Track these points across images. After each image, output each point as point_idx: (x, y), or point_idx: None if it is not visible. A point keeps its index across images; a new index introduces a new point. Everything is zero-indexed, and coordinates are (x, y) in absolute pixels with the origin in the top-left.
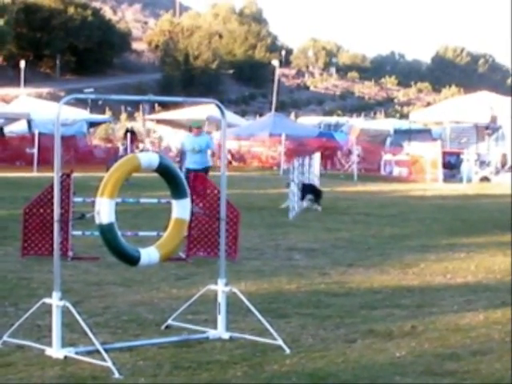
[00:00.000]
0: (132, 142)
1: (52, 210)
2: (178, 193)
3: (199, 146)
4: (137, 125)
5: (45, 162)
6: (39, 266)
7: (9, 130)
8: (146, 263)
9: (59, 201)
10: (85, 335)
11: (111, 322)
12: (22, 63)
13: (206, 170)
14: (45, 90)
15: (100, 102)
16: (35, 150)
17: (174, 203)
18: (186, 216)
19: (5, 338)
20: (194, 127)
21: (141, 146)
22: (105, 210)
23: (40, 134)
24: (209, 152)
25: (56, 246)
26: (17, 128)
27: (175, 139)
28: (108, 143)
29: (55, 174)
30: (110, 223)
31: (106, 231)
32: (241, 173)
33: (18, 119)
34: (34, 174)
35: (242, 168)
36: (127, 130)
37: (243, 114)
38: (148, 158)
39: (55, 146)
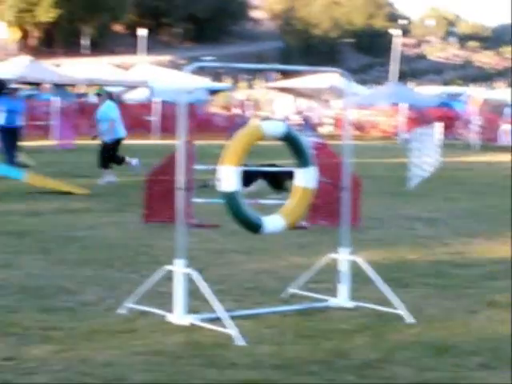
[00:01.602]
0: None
1: (174, 178)
2: (302, 161)
3: None
4: (255, 93)
5: (164, 129)
6: (161, 233)
7: (128, 97)
8: (269, 231)
9: (183, 168)
10: (206, 302)
11: (233, 290)
12: (142, 31)
13: None
14: (165, 58)
15: (220, 71)
16: (155, 118)
17: (299, 172)
18: (312, 184)
19: (129, 304)
20: None
21: (261, 114)
22: (229, 178)
23: (162, 101)
24: None
25: (180, 213)
26: (136, 95)
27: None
28: (227, 111)
29: (179, 142)
30: (233, 191)
31: (230, 199)
32: (360, 142)
33: (138, 87)
34: (153, 141)
35: (361, 137)
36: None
37: (362, 83)
38: (272, 126)
39: (178, 113)
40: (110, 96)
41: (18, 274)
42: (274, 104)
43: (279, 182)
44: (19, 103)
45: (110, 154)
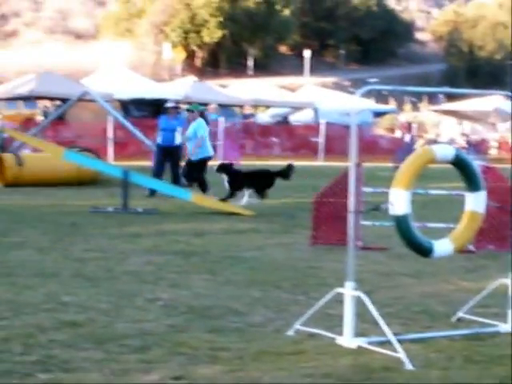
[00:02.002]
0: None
1: (342, 200)
2: (473, 185)
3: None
4: (420, 115)
5: (330, 150)
6: (328, 255)
7: (294, 118)
8: (439, 255)
9: (355, 191)
10: (375, 325)
11: (402, 313)
12: (307, 52)
13: None
14: (329, 80)
15: (385, 92)
16: (320, 139)
17: (469, 196)
18: (481, 209)
19: (297, 326)
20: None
21: (426, 136)
22: (400, 201)
23: (326, 123)
24: None
25: (351, 236)
26: (302, 117)
27: (459, 130)
28: (392, 133)
29: (350, 163)
30: (405, 214)
31: (401, 222)
32: None
33: (303, 108)
34: (319, 162)
35: None
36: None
37: None
38: (443, 150)
39: (351, 136)
40: (202, 114)
41: (186, 294)
42: (441, 126)
43: (267, 185)
44: (178, 122)
45: (197, 174)
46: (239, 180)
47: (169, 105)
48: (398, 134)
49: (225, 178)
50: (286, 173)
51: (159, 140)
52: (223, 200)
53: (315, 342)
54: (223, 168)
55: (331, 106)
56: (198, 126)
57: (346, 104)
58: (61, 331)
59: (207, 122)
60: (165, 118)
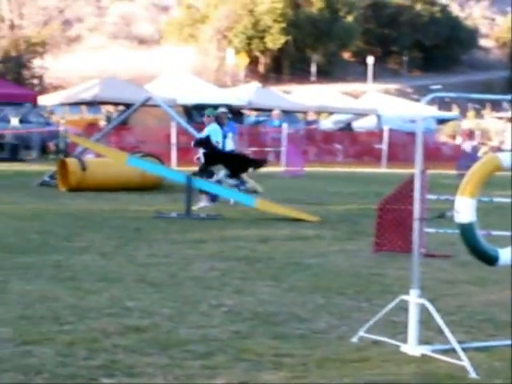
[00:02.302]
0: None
1: (406, 207)
2: None
3: None
4: (484, 122)
5: (393, 157)
6: (391, 262)
7: (357, 125)
8: (503, 263)
9: (420, 198)
10: (439, 333)
11: (466, 321)
12: (370, 59)
13: None
14: (392, 86)
15: (448, 99)
16: (384, 146)
17: None
18: None
19: (361, 333)
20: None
21: (489, 144)
22: (466, 209)
23: (389, 129)
24: None
25: (415, 243)
26: (365, 123)
27: None
28: (455, 140)
29: (416, 171)
30: (470, 222)
31: (467, 230)
32: None
33: (366, 115)
34: (382, 169)
35: None
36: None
37: None
38: (509, 157)
39: (416, 143)
40: (217, 119)
41: (250, 300)
42: (505, 134)
43: (241, 168)
44: (229, 128)
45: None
46: (215, 156)
47: (220, 110)
48: (459, 141)
49: (201, 151)
50: (259, 164)
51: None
52: (194, 175)
53: (379, 350)
54: (201, 143)
55: (394, 113)
56: (213, 130)
57: (409, 111)
58: (125, 336)
59: (221, 127)
60: (219, 125)
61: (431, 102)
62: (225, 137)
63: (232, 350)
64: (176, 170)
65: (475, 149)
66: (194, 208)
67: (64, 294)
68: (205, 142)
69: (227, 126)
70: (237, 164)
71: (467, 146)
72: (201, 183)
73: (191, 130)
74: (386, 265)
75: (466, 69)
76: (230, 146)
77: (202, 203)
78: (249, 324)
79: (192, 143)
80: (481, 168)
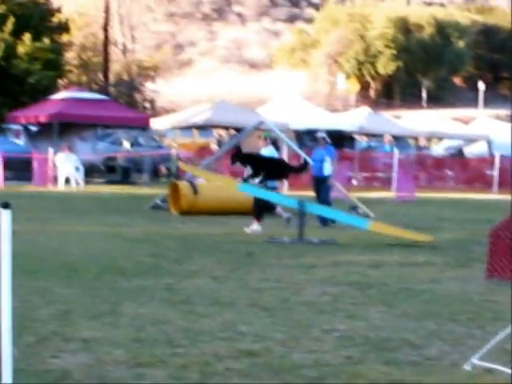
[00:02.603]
0: None
1: None
2: None
3: None
4: None
5: (504, 184)
6: (504, 288)
7: (468, 151)
8: None
9: None
10: None
11: None
12: (481, 84)
13: None
14: (503, 112)
15: None
16: (495, 172)
17: None
18: None
19: (474, 360)
20: None
21: None
22: None
23: (500, 155)
24: None
25: None
26: (476, 149)
27: None
28: None
29: None
30: None
31: None
32: None
33: (477, 140)
34: (494, 195)
35: None
36: None
37: None
38: None
39: None
40: (274, 142)
41: (362, 325)
42: None
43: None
44: (327, 152)
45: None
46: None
47: (318, 135)
48: None
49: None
50: (299, 170)
51: (311, 170)
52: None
53: (492, 377)
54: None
55: (506, 139)
56: (268, 153)
57: None
58: (238, 360)
59: (278, 150)
60: (317, 150)
61: None
62: (322, 161)
63: (344, 376)
64: (287, 196)
65: None
66: (247, 230)
67: (176, 317)
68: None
69: (325, 150)
70: (276, 169)
71: None
72: (313, 207)
73: (303, 154)
74: (498, 291)
75: None
76: (327, 170)
77: (255, 226)
78: (361, 349)
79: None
80: None
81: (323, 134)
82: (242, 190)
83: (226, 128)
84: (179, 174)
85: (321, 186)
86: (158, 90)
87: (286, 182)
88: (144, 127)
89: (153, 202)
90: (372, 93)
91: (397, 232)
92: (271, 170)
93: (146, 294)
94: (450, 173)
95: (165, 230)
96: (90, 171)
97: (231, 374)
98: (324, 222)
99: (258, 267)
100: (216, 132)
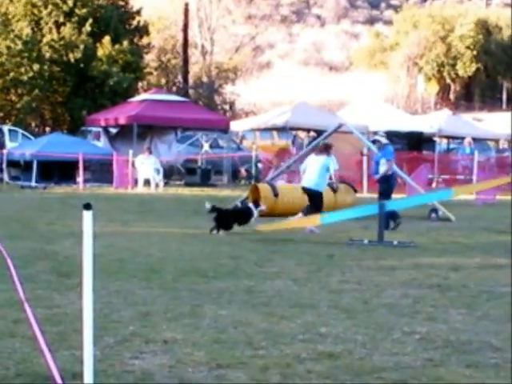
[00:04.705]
0: None
1: None
2: None
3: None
4: None
5: None
6: None
7: None
8: None
9: None
10: None
11: None
12: None
13: None
14: None
15: None
16: None
17: None
18: None
19: None
20: None
21: None
22: None
23: None
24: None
25: None
26: None
27: None
28: None
29: None
30: None
31: None
32: None
33: None
34: None
35: None
36: None
37: None
38: None
39: None
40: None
41: (443, 328)
42: None
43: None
44: (382, 154)
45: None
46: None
47: (375, 138)
48: None
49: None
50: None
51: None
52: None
53: None
54: None
55: None
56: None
57: None
58: (318, 362)
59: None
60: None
61: None
62: (377, 163)
63: (425, 378)
64: (366, 205)
65: None
66: (306, 231)
67: (257, 319)
68: None
69: (381, 152)
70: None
71: None
72: (393, 204)
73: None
74: None
75: None
76: (382, 170)
77: (311, 228)
78: (442, 352)
79: None
80: None
81: (377, 137)
82: (324, 222)
83: (306, 130)
84: (259, 175)
85: (381, 186)
86: (237, 92)
87: (366, 184)
88: (224, 129)
89: (233, 205)
90: (452, 95)
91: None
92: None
93: (226, 295)
94: None
95: (245, 232)
96: (170, 173)
97: (311, 375)
98: (386, 226)
99: (338, 269)
100: (296, 134)
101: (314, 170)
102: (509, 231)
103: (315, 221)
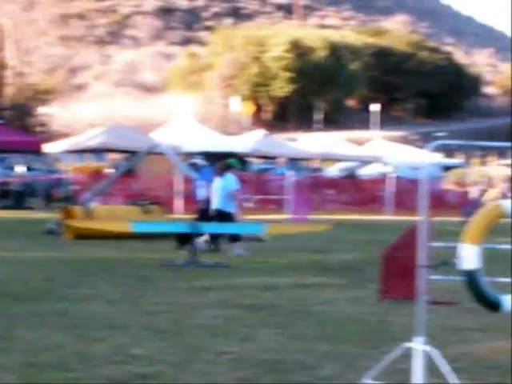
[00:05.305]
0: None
1: (412, 255)
2: None
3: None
4: (488, 169)
5: (398, 204)
6: (397, 309)
7: (363, 172)
8: (508, 309)
9: (425, 246)
10: (444, 381)
11: (471, 368)
12: (375, 106)
13: None
14: (397, 134)
15: (454, 147)
16: (389, 193)
17: None
18: None
19: (366, 380)
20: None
21: (494, 191)
22: (470, 256)
23: (394, 177)
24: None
25: (420, 291)
26: (370, 171)
27: None
28: (460, 188)
29: (421, 218)
30: (475, 269)
31: (471, 277)
32: None
33: (371, 162)
34: (388, 216)
35: None
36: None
37: None
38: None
39: (421, 190)
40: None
41: (255, 347)
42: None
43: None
44: (202, 176)
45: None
46: None
47: (192, 161)
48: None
49: None
50: None
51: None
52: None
53: None
54: None
55: (399, 160)
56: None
57: (414, 158)
58: None
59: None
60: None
61: (436, 150)
62: (197, 185)
63: None
64: (179, 221)
65: (480, 195)
66: (231, 255)
67: (69, 342)
68: None
69: (200, 174)
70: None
71: (473, 192)
72: (207, 227)
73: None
74: (392, 312)
75: (470, 116)
76: (200, 193)
77: (237, 250)
78: (254, 371)
79: None
80: (484, 215)
81: (195, 160)
82: (136, 230)
83: (121, 152)
84: (73, 197)
85: (199, 207)
86: (52, 113)
87: (179, 204)
88: (36, 151)
89: (47, 227)
90: (267, 115)
91: (294, 228)
92: None
93: (38, 318)
94: (344, 194)
95: (59, 255)
96: None
97: None
98: (235, 238)
99: (152, 290)
100: (110, 156)
101: (218, 192)
102: (322, 249)
103: (125, 227)
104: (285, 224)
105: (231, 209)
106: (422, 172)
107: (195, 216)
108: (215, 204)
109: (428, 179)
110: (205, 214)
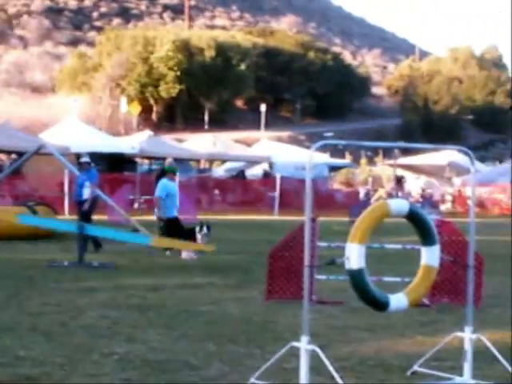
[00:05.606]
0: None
1: (297, 254)
2: (427, 239)
3: None
4: (376, 169)
5: (285, 205)
6: (283, 309)
7: (250, 173)
8: (394, 309)
9: (310, 245)
10: (331, 379)
11: (357, 367)
12: (263, 107)
13: None
14: (285, 134)
15: (341, 147)
16: (276, 193)
17: (424, 250)
18: (435, 263)
19: (252, 380)
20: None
21: (381, 190)
22: (355, 256)
23: (281, 177)
24: None
25: (306, 290)
26: (257, 171)
27: (416, 184)
28: (348, 187)
29: (306, 218)
30: (360, 269)
31: (356, 276)
32: (481, 219)
33: (259, 162)
34: (275, 217)
35: (482, 214)
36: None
37: (482, 159)
38: (397, 204)
39: (306, 190)
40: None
41: (142, 348)
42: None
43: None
44: (88, 177)
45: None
46: None
47: (82, 160)
48: (354, 187)
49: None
50: None
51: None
52: None
53: None
54: None
55: (286, 160)
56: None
57: (300, 158)
58: None
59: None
60: (79, 174)
61: (322, 149)
62: (81, 186)
63: None
64: (67, 221)
65: (368, 196)
66: (182, 257)
67: None
68: None
69: (86, 175)
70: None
71: (361, 192)
72: (93, 230)
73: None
74: (278, 312)
75: (359, 116)
76: (86, 194)
77: (185, 253)
78: (140, 372)
79: None
80: (370, 215)
81: (86, 159)
82: (23, 222)
83: (8, 152)
84: None
85: (82, 208)
86: None
87: (66, 206)
88: None
89: None
90: (155, 116)
91: (180, 245)
92: None
93: None
94: (231, 194)
95: None
96: None
97: None
98: (97, 246)
99: (38, 292)
100: None
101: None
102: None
103: (11, 218)
104: (172, 241)
105: (169, 213)
106: (307, 172)
107: (78, 216)
108: None
109: (314, 179)
110: (88, 214)
